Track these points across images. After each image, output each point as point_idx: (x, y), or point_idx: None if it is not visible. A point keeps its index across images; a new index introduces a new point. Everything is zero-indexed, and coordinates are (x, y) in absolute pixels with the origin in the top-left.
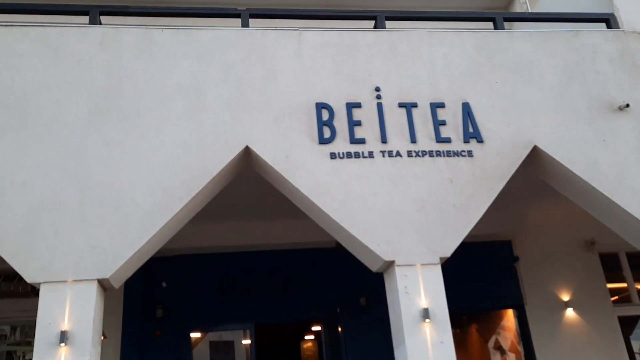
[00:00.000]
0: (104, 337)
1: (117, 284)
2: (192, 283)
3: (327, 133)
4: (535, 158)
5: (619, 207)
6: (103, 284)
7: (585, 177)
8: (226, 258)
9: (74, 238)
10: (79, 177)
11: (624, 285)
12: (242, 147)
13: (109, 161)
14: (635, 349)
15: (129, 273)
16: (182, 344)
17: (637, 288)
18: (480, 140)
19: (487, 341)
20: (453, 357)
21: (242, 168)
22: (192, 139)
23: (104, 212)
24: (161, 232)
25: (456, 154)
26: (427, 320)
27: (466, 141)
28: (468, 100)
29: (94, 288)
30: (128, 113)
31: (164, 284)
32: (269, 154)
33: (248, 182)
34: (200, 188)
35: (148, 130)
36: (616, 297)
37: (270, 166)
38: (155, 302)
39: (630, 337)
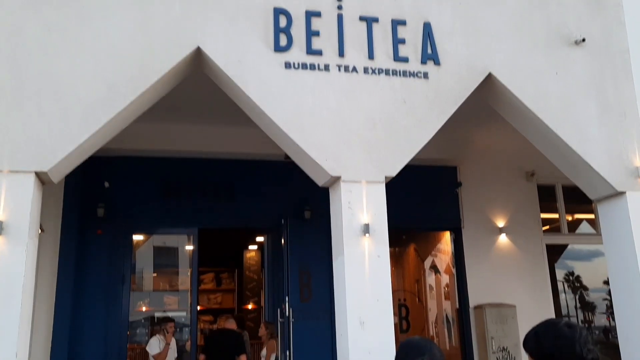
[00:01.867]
0: (42, 231)
1: (57, 178)
2: (136, 185)
3: (283, 41)
4: (488, 85)
5: (561, 140)
6: (41, 177)
7: (533, 108)
8: (172, 162)
9: (9, 127)
10: (16, 62)
11: (556, 216)
12: (193, 47)
13: (48, 47)
14: (558, 276)
15: (69, 168)
16: (123, 244)
17: (567, 219)
18: (437, 63)
19: (423, 261)
20: (388, 270)
21: (192, 69)
22: (140, 33)
23: (42, 102)
24: (104, 128)
25: (412, 74)
26: (367, 235)
27: (423, 62)
28: (430, 20)
29: (31, 180)
30: None
31: (106, 184)
32: (220, 57)
33: (198, 85)
34: (147, 87)
35: (93, 17)
36: (547, 227)
37: (222, 70)
38: (97, 201)
39: (556, 264)
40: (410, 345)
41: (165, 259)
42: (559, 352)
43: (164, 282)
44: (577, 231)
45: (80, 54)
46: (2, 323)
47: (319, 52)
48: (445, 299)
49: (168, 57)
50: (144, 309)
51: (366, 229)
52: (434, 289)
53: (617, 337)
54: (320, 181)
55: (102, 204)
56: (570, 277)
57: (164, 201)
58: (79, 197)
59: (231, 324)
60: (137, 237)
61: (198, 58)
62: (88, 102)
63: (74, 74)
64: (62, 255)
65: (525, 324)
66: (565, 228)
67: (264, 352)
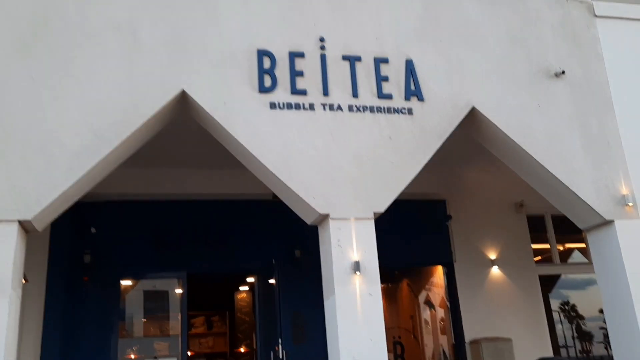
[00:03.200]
0: (26, 281)
1: (41, 226)
2: (123, 230)
3: (267, 82)
4: (473, 119)
5: (548, 171)
6: (25, 226)
7: (518, 141)
8: (159, 206)
9: None
10: (0, 112)
11: (547, 246)
12: (178, 91)
13: (33, 98)
14: (553, 306)
15: (54, 216)
16: (111, 290)
17: (558, 249)
18: (421, 99)
19: (417, 296)
20: (380, 308)
21: (178, 113)
22: (124, 79)
23: (27, 150)
24: (89, 175)
25: (397, 111)
26: (358, 272)
27: (407, 99)
28: (412, 57)
29: (14, 229)
30: (56, 48)
31: (92, 230)
32: (206, 100)
33: (184, 129)
34: (132, 132)
35: (77, 68)
36: (539, 257)
37: (207, 113)
38: (83, 248)
39: (550, 294)
40: None
41: (155, 304)
42: None
43: (154, 328)
44: (569, 260)
45: (64, 102)
46: None
47: (303, 92)
48: (441, 333)
49: (153, 101)
50: (132, 356)
51: (357, 266)
52: (430, 323)
53: None
54: (309, 219)
55: (88, 250)
56: (566, 307)
57: (151, 245)
58: (66, 244)
59: None
60: (126, 282)
61: (183, 101)
62: (72, 148)
63: (58, 122)
64: (48, 305)
65: (522, 358)
66: (557, 258)
67: None
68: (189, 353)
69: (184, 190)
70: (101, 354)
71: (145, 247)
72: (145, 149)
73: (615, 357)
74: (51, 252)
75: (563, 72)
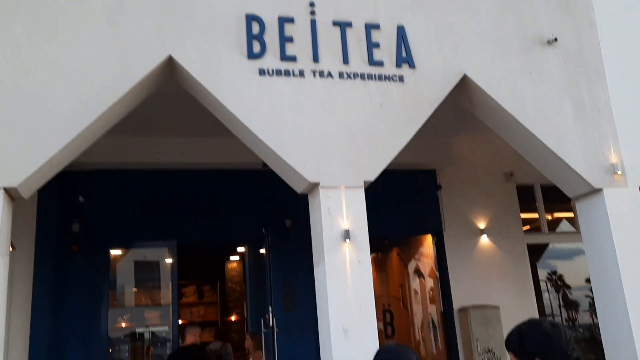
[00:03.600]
0: (13, 249)
1: (27, 194)
2: (112, 199)
3: (256, 48)
4: (464, 87)
5: (538, 139)
6: (11, 193)
7: (509, 108)
8: (148, 175)
9: None
10: None
11: (536, 215)
12: (165, 56)
13: (16, 62)
14: (541, 275)
15: (40, 183)
16: (100, 259)
17: (547, 218)
18: (412, 66)
19: (407, 265)
20: (370, 276)
21: (165, 79)
22: (110, 44)
23: (10, 117)
24: (75, 142)
25: (388, 78)
26: (348, 240)
27: (398, 66)
28: (403, 23)
29: (0, 196)
30: (39, 11)
31: (80, 199)
32: (193, 65)
33: (172, 96)
34: (118, 98)
35: (61, 31)
36: (527, 227)
37: (195, 79)
38: (72, 217)
39: (537, 263)
40: (386, 352)
41: (146, 274)
42: (544, 351)
43: (145, 297)
44: (557, 230)
45: (49, 67)
46: None
47: (293, 58)
48: (430, 302)
49: (139, 67)
50: (123, 325)
51: (346, 234)
52: (419, 293)
53: (600, 334)
54: (299, 188)
55: (76, 219)
56: (553, 276)
57: (141, 215)
58: (54, 213)
59: (190, 336)
60: (116, 252)
61: (170, 67)
62: (58, 115)
63: (43, 87)
64: (36, 273)
65: (509, 325)
66: (545, 227)
67: None
68: (180, 322)
69: (173, 159)
70: (92, 323)
71: (134, 216)
72: (132, 117)
73: (600, 325)
74: (39, 221)
75: (555, 40)
